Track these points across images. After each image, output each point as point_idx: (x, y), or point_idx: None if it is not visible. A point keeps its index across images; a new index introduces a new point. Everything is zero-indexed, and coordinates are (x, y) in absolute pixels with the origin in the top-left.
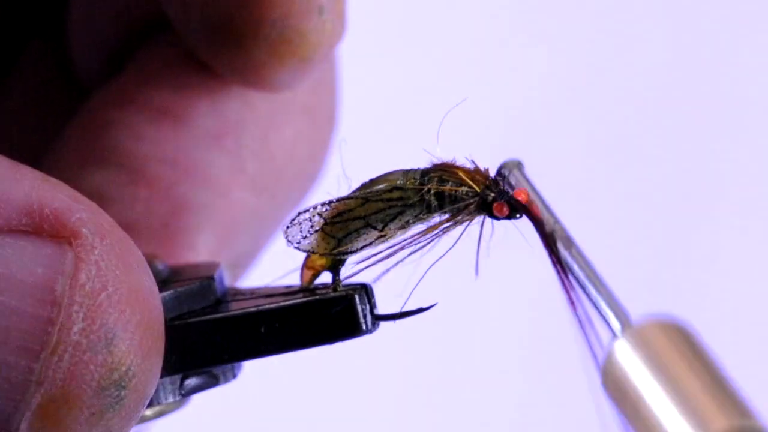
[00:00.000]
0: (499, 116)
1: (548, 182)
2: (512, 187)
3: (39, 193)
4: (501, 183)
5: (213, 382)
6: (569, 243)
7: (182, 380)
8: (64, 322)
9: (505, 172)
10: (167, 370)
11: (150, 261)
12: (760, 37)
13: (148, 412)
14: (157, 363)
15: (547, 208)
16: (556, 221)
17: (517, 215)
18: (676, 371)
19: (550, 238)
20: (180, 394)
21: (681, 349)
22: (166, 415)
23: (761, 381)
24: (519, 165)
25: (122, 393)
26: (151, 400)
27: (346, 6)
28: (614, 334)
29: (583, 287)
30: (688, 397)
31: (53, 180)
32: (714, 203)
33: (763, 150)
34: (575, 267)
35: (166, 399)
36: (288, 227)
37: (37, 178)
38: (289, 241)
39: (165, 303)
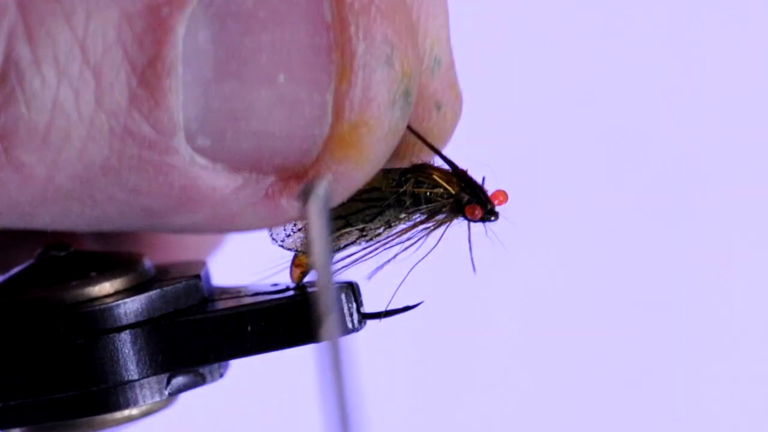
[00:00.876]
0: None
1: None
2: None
3: None
4: (478, 184)
5: (200, 381)
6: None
7: (169, 379)
8: (344, 47)
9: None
10: (154, 369)
11: (137, 260)
12: (760, 38)
13: (135, 411)
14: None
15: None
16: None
17: (492, 218)
18: None
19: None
20: (167, 393)
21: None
22: (152, 414)
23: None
24: (318, 195)
25: (409, 99)
26: (137, 400)
27: (459, 85)
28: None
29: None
30: None
31: None
32: (713, 203)
33: (763, 150)
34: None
35: (153, 398)
36: None
37: None
38: (273, 238)
39: (151, 302)
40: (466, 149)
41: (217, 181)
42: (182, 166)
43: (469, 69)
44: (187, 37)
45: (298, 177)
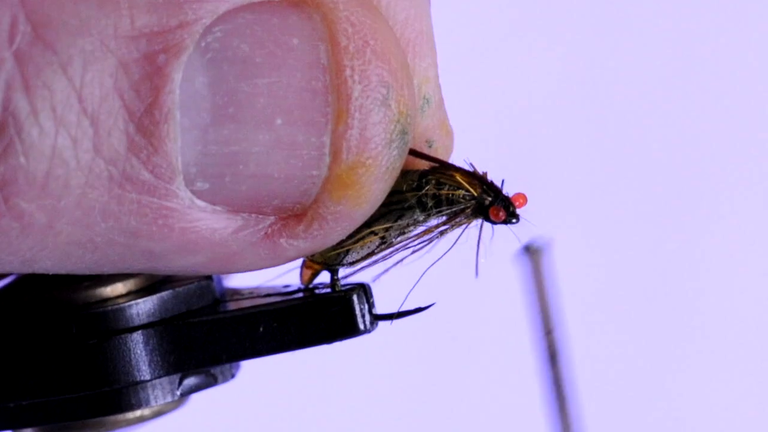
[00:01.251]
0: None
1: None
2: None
3: None
4: (498, 186)
5: (211, 381)
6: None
7: (180, 380)
8: (341, 88)
9: (527, 257)
10: (166, 370)
11: None
12: (760, 38)
13: (146, 412)
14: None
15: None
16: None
17: (514, 220)
18: None
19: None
20: (178, 393)
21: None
22: (164, 415)
23: (761, 381)
24: (540, 250)
25: (405, 138)
26: (149, 400)
27: (449, 122)
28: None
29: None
30: None
31: None
32: (713, 203)
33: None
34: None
35: (165, 399)
36: None
37: None
38: None
39: (163, 302)
40: (468, 149)
41: (217, 222)
42: (181, 209)
43: (471, 69)
44: (184, 83)
45: (297, 217)
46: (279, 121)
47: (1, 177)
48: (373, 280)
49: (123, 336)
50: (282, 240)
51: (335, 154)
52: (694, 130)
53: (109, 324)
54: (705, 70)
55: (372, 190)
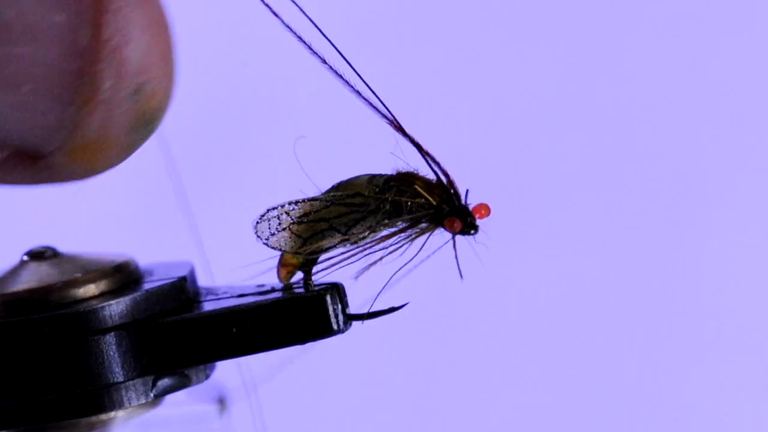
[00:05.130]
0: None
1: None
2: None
3: None
4: (458, 197)
5: (186, 382)
6: None
7: (154, 381)
8: (92, 77)
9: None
10: (139, 371)
11: (123, 261)
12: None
13: (120, 413)
14: (174, 85)
15: None
16: None
17: (472, 231)
18: None
19: None
20: (152, 395)
21: None
22: (138, 416)
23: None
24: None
25: (150, 126)
26: (123, 402)
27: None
28: None
29: None
30: None
31: None
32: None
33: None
34: None
35: (139, 400)
36: (257, 222)
37: None
38: (258, 236)
39: (136, 303)
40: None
41: None
42: None
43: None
44: None
45: (32, 158)
46: (26, 88)
47: None
48: (355, 278)
49: (96, 337)
50: (14, 170)
51: (76, 127)
52: (692, 130)
53: (82, 325)
54: (704, 70)
55: (105, 163)
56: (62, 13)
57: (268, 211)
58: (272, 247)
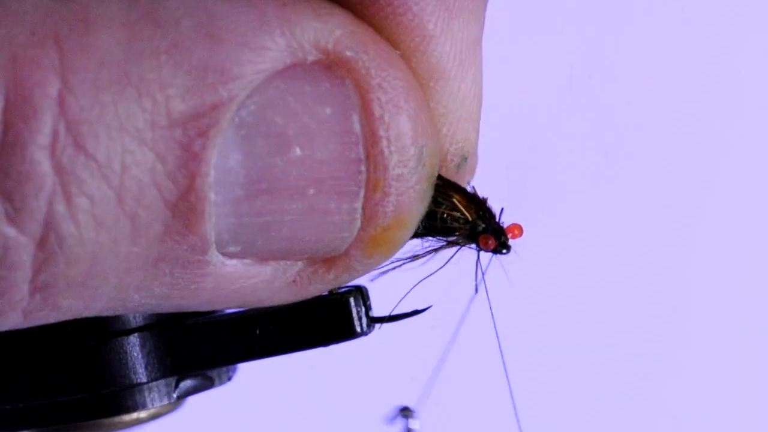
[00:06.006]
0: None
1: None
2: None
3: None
4: (493, 215)
5: (208, 384)
6: None
7: (177, 383)
8: (378, 158)
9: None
10: (162, 372)
11: None
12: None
13: (143, 414)
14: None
15: None
16: None
17: (504, 251)
18: None
19: None
20: (175, 396)
21: None
22: (161, 417)
23: (760, 381)
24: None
25: (433, 184)
26: (146, 403)
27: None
28: None
29: None
30: None
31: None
32: (712, 202)
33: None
34: None
35: (161, 401)
36: None
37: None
38: None
39: None
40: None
41: (246, 273)
42: (212, 272)
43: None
44: (218, 161)
45: (326, 263)
46: (311, 191)
47: (43, 283)
48: (371, 280)
49: (120, 339)
50: (310, 286)
51: (370, 218)
52: (693, 129)
53: (106, 327)
54: (702, 71)
55: (403, 240)
56: (330, 104)
57: None
58: None
